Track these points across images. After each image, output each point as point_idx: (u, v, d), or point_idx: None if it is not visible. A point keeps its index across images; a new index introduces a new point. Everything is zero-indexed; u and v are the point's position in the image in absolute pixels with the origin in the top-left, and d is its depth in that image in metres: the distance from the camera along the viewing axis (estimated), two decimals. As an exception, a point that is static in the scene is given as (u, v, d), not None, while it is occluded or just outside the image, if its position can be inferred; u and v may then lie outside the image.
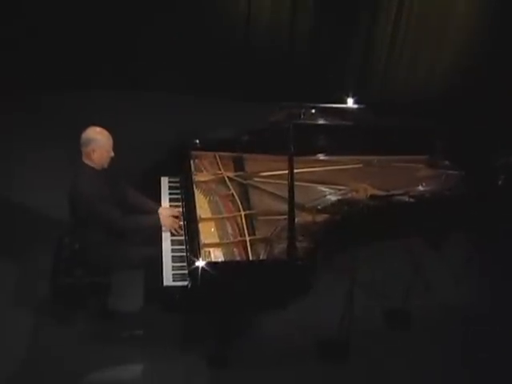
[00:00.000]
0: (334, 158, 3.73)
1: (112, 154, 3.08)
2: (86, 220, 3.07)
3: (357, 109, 2.81)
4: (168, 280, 2.89)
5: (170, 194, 3.52)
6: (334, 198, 3.38)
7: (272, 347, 3.32)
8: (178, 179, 3.61)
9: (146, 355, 3.20)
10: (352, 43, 5.71)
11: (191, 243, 2.97)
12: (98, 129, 3.04)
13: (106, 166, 3.10)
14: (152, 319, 3.36)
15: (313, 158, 3.69)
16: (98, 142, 2.99)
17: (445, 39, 5.56)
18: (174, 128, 4.35)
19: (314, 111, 2.66)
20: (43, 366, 3.10)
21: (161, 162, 3.74)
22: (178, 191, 3.53)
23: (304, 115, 2.68)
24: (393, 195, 3.14)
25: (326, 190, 3.47)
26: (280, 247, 2.98)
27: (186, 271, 2.89)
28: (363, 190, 3.42)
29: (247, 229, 3.06)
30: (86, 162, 3.04)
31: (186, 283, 2.82)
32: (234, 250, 2.98)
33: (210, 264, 2.80)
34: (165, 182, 3.62)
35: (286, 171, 3.39)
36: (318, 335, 3.39)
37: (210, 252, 2.93)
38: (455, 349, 3.45)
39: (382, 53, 5.71)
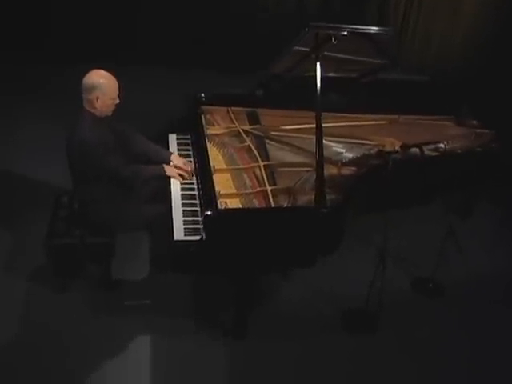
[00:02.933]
0: (357, 115, 3.47)
1: (117, 101, 2.75)
2: (86, 172, 2.74)
3: (385, 32, 2.51)
4: (179, 234, 2.57)
5: (178, 150, 3.22)
6: (359, 152, 3.11)
7: (294, 317, 3.00)
8: (187, 136, 3.32)
9: (153, 326, 2.86)
10: (365, 17, 5.50)
11: (205, 195, 2.67)
12: (102, 72, 2.69)
13: (109, 113, 2.78)
14: (159, 286, 3.05)
15: (334, 114, 3.40)
16: (103, 89, 2.65)
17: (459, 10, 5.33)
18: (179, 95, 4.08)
19: (345, 33, 2.35)
20: (39, 338, 2.76)
21: (168, 120, 3.45)
22: (188, 147, 3.24)
23: (335, 39, 2.38)
24: (426, 143, 2.84)
25: (351, 144, 3.19)
26: (305, 198, 2.69)
27: (199, 225, 2.58)
28: (390, 144, 3.14)
29: (267, 179, 2.76)
30: (89, 109, 2.71)
31: (198, 238, 2.50)
32: (254, 200, 2.67)
33: (227, 211, 2.51)
34: (173, 138, 3.32)
35: (305, 125, 3.23)
36: (343, 304, 3.07)
37: (226, 202, 2.61)
38: (487, 318, 3.14)
39: (395, 27, 5.49)
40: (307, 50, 2.75)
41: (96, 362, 2.67)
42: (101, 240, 2.88)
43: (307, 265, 2.67)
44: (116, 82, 2.73)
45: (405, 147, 2.87)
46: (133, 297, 3.01)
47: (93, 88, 2.63)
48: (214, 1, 5.35)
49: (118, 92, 2.73)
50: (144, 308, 2.97)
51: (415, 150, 2.90)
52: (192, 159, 3.12)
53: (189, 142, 3.28)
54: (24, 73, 5.25)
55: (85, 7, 5.27)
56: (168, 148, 3.22)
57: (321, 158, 2.56)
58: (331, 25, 2.33)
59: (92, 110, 2.71)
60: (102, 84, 2.64)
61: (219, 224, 2.44)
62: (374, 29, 2.43)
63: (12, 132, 4.48)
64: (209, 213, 2.42)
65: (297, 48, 2.77)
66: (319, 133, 2.60)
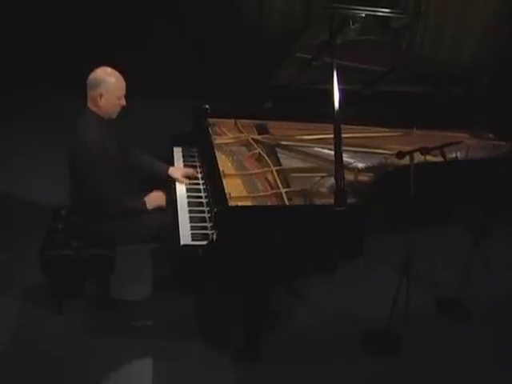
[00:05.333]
0: (369, 127, 3.35)
1: (123, 102, 2.59)
2: (87, 178, 2.54)
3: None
4: (186, 238, 2.34)
5: (184, 161, 3.05)
6: (375, 160, 2.96)
7: (311, 338, 2.72)
8: (192, 149, 3.16)
9: (155, 349, 2.56)
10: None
11: (214, 197, 2.46)
12: (108, 69, 2.55)
13: (114, 115, 2.62)
14: (163, 304, 2.78)
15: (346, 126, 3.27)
16: (108, 85, 2.50)
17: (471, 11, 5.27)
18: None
19: (363, 15, 2.21)
20: (35, 360, 2.46)
21: (172, 135, 3.29)
22: (193, 159, 3.08)
23: (352, 24, 2.26)
24: (448, 144, 2.67)
25: (363, 154, 3.04)
26: (322, 201, 2.49)
27: (207, 231, 2.36)
28: (408, 152, 2.98)
29: (281, 183, 2.56)
30: (92, 108, 2.56)
31: (205, 242, 2.25)
32: (268, 202, 2.46)
33: (239, 208, 2.30)
34: (178, 151, 3.16)
35: (318, 136, 3.11)
36: (364, 325, 2.78)
37: (237, 204, 2.40)
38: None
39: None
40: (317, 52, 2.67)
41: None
42: (99, 252, 2.63)
43: (324, 274, 2.42)
44: (123, 81, 2.57)
45: (425, 150, 2.70)
46: (133, 317, 2.73)
47: (97, 84, 2.49)
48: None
49: (124, 92, 2.58)
50: (146, 329, 2.69)
51: (436, 152, 2.72)
52: (198, 170, 2.95)
53: (194, 154, 3.12)
54: (24, 94, 5.49)
55: (85, 35, 5.46)
56: (173, 161, 3.07)
57: (340, 162, 2.33)
58: (348, 6, 2.20)
59: (95, 109, 2.55)
60: (106, 81, 2.49)
61: (230, 223, 2.21)
62: (390, 10, 2.33)
63: (10, 151, 4.52)
64: (217, 209, 2.21)
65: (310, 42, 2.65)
66: (338, 140, 2.40)
